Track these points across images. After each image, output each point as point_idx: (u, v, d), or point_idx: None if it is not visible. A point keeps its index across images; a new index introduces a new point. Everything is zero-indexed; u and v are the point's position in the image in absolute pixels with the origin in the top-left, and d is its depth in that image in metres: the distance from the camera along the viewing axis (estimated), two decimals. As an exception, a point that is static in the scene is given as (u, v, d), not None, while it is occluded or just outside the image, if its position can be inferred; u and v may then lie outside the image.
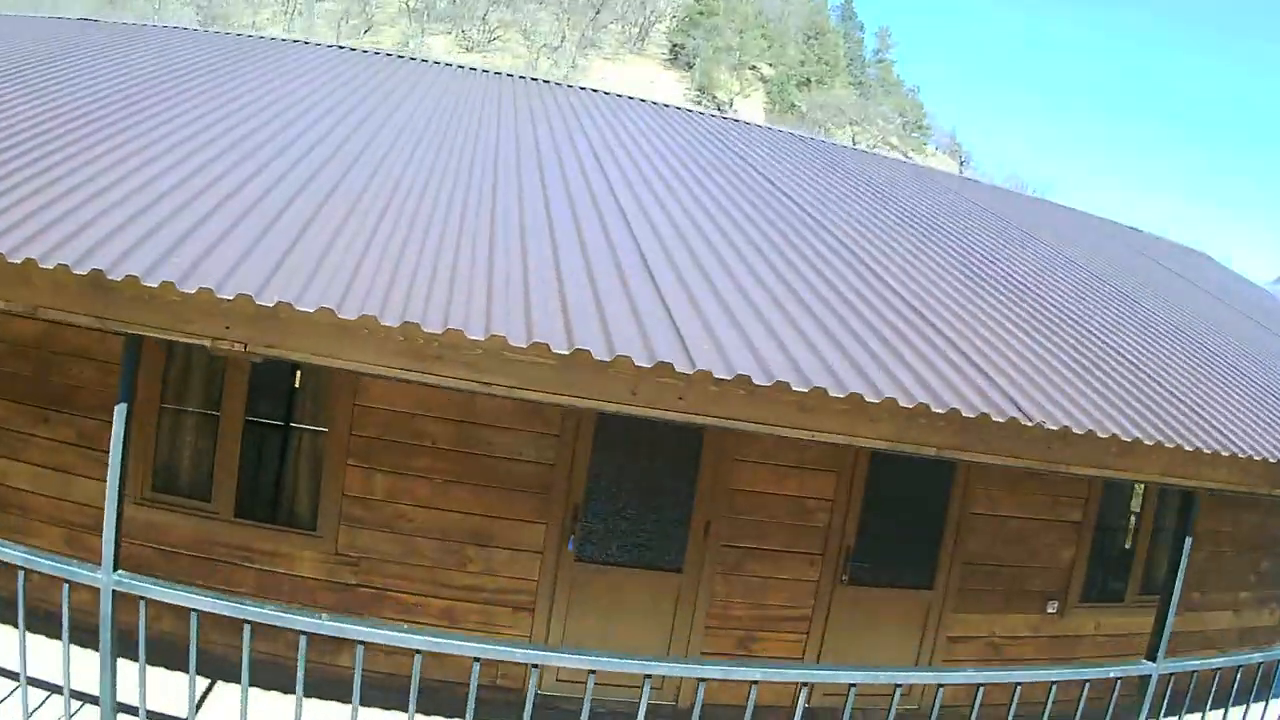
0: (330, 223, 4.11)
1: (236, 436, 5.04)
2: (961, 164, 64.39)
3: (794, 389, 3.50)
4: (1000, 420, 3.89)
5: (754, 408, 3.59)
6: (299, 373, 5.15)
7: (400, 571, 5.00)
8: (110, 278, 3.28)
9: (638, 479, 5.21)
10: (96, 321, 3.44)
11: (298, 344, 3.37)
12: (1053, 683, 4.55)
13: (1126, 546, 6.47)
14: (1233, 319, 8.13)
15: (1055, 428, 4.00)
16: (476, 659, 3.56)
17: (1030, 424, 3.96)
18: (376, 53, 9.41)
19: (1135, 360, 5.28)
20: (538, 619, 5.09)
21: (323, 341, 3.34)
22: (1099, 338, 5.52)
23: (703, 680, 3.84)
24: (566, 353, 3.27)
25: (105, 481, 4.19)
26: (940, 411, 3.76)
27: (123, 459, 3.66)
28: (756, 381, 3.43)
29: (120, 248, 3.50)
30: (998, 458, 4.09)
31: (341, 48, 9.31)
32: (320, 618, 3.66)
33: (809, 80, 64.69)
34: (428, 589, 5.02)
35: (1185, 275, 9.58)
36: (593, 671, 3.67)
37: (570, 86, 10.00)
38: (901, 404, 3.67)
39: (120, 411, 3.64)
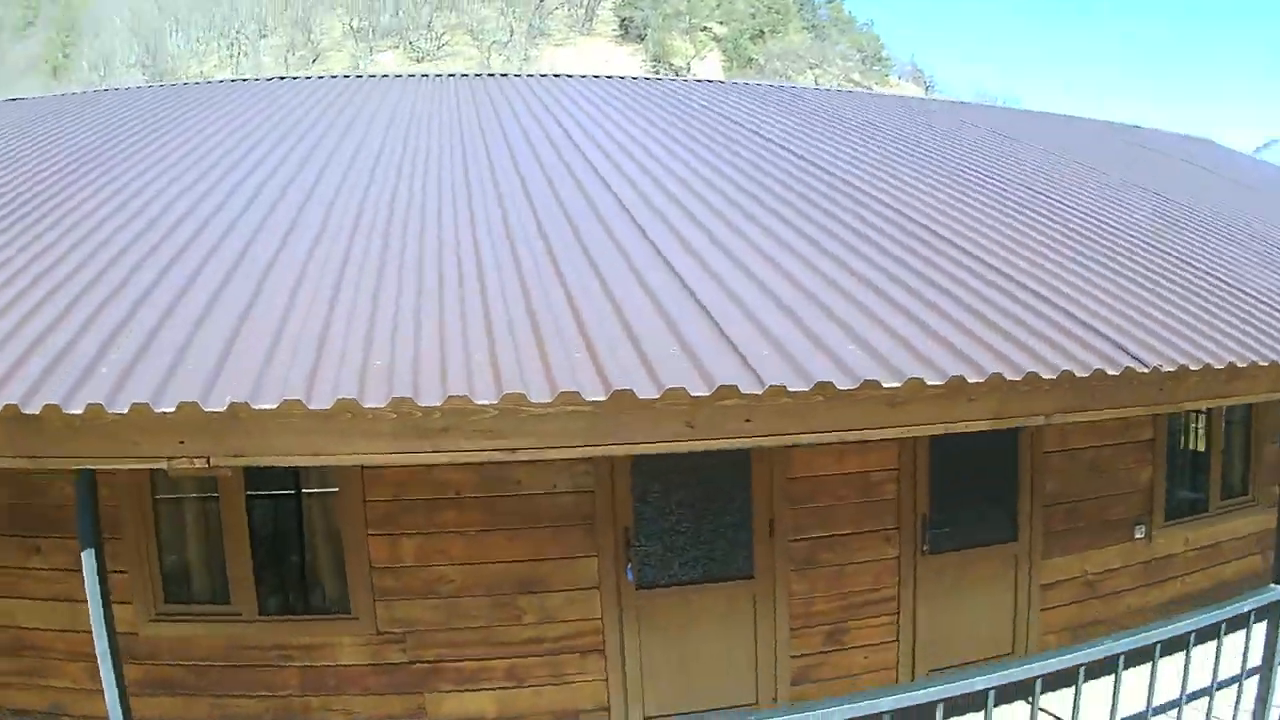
0: (284, 283, 3.19)
1: (241, 520, 4.17)
2: (927, 89, 61.49)
3: (885, 385, 2.64)
4: (1115, 373, 3.08)
5: (834, 415, 2.73)
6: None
7: (451, 639, 4.16)
8: (27, 411, 2.42)
9: (687, 488, 4.35)
10: (31, 462, 2.60)
11: (270, 447, 2.49)
12: (1192, 632, 3.78)
13: (1200, 450, 5.66)
14: (1263, 204, 7.26)
15: (1171, 369, 3.21)
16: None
17: (1146, 370, 3.15)
18: (320, 77, 8.32)
19: (1219, 275, 4.42)
20: (610, 660, 4.27)
21: (299, 439, 2.47)
22: (1176, 257, 4.66)
23: None
24: (603, 398, 2.39)
25: (118, 604, 3.44)
26: (1051, 377, 2.92)
27: (106, 612, 2.81)
28: (840, 386, 2.56)
29: (35, 371, 2.61)
30: (1112, 411, 3.29)
31: (284, 78, 8.24)
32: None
33: (762, 32, 61.43)
34: (485, 651, 4.19)
35: (1204, 166, 8.65)
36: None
37: (519, 76, 8.92)
38: (1008, 377, 2.82)
39: (88, 560, 2.78)
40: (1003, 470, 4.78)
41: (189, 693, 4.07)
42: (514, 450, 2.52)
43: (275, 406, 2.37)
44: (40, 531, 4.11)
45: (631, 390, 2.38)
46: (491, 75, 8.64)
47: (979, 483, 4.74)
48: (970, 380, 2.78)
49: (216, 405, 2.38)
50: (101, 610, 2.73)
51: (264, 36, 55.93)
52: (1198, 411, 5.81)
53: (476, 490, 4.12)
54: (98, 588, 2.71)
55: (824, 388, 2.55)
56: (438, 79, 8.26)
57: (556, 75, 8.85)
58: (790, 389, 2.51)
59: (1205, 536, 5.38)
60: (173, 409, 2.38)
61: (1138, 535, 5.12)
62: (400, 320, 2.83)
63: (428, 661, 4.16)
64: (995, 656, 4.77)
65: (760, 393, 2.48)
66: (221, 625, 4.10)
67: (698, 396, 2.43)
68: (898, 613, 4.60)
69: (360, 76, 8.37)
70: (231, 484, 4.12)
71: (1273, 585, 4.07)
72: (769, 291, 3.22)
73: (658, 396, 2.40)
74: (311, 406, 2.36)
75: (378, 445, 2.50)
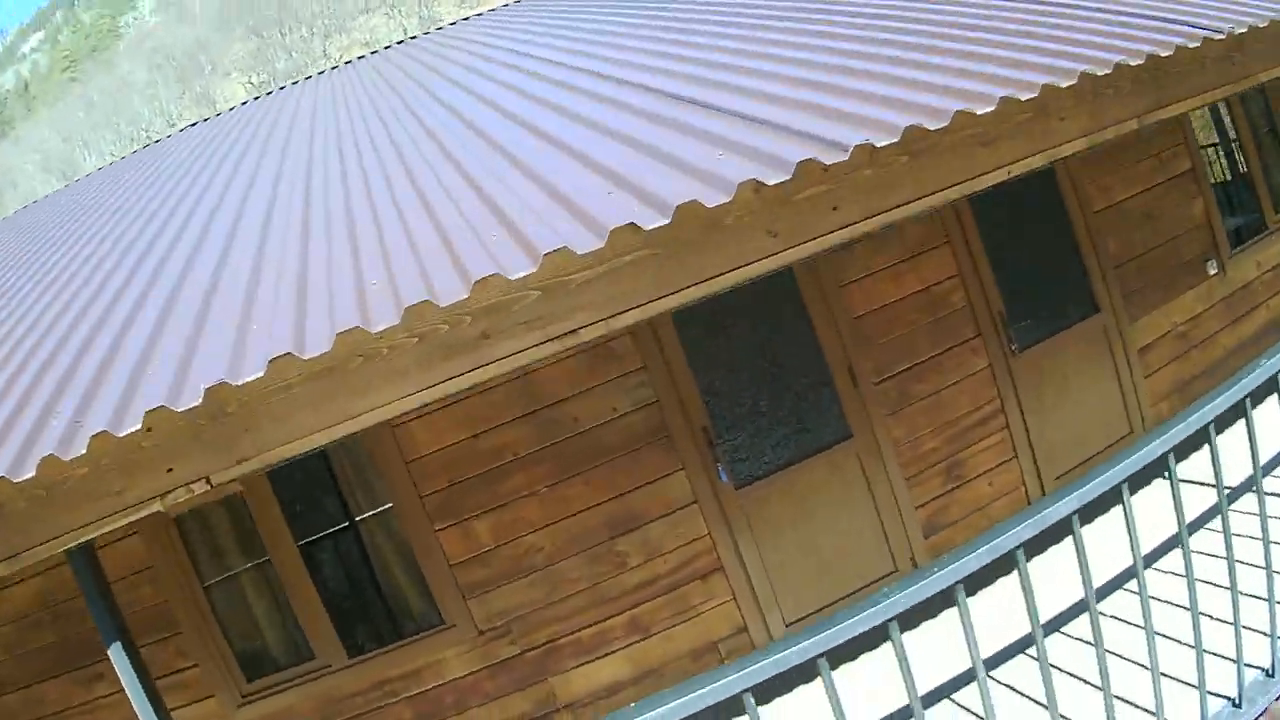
0: (244, 258, 2.52)
1: (300, 571, 3.56)
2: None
3: (978, 114, 2.02)
4: (1195, 45, 2.49)
5: (925, 174, 2.13)
6: (328, 462, 3.62)
7: (559, 612, 3.57)
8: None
9: (751, 364, 3.74)
10: (8, 565, 1.97)
11: (276, 436, 1.85)
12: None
13: (1234, 177, 5.11)
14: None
15: (1242, 30, 2.65)
16: None
17: (1221, 37, 2.59)
18: (206, 119, 7.49)
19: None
20: (732, 575, 3.69)
21: (308, 414, 1.84)
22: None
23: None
24: (667, 222, 1.76)
25: (201, 700, 3.18)
26: (1138, 63, 2.32)
27: (155, 705, 2.18)
28: (931, 126, 1.94)
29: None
30: (1192, 100, 2.72)
31: (201, 119, 7.42)
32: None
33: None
34: (599, 612, 3.60)
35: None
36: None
37: (419, 36, 8.01)
38: (1099, 74, 2.22)
39: (117, 654, 2.14)
40: (1060, 243, 4.20)
41: (302, 765, 3.48)
42: (573, 333, 1.89)
43: (264, 374, 1.73)
44: (93, 657, 3.47)
45: (697, 201, 1.75)
46: (386, 47, 7.78)
47: (1042, 264, 4.16)
48: (1061, 85, 2.18)
49: (191, 399, 1.73)
50: (148, 704, 2.10)
51: (173, 125, 53.94)
52: (1213, 145, 5.29)
53: (534, 444, 3.50)
54: (136, 681, 2.08)
55: (914, 132, 1.93)
56: (348, 64, 7.46)
57: (433, 30, 7.96)
58: (879, 144, 1.88)
59: (1274, 255, 4.83)
60: (139, 426, 1.74)
61: (1211, 272, 4.56)
62: (386, 232, 2.18)
63: (541, 644, 3.57)
64: (1117, 442, 4.24)
65: (846, 158, 1.85)
66: (313, 684, 3.49)
67: (776, 184, 1.80)
68: (1007, 426, 4.03)
69: (253, 99, 7.57)
70: (280, 539, 3.51)
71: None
72: (805, 82, 2.52)
73: (729, 199, 1.77)
74: (306, 357, 1.72)
75: (404, 385, 1.87)
